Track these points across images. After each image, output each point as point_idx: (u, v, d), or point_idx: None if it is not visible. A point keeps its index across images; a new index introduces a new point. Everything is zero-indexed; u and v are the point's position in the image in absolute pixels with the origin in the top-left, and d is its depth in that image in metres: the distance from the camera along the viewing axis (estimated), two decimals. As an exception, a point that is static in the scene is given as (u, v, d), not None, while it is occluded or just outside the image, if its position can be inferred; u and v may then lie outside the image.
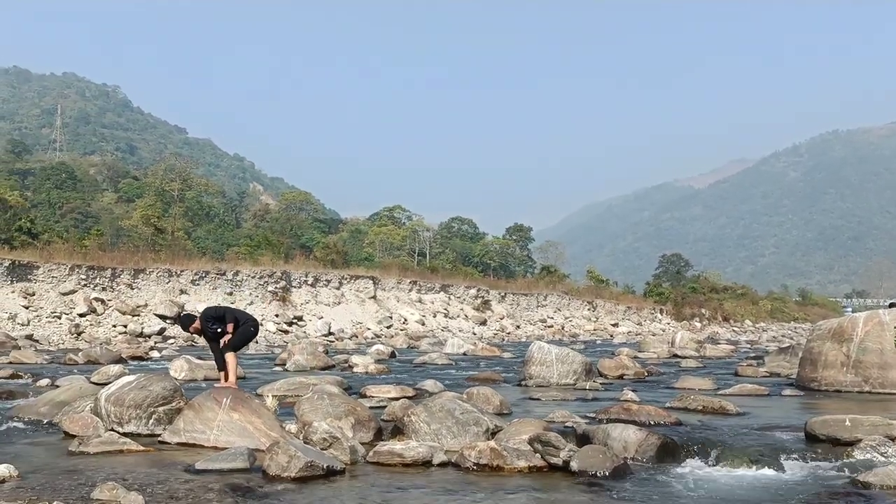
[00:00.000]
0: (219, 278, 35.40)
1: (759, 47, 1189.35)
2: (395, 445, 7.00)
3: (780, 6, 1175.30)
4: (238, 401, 7.84)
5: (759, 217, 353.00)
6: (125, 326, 29.94)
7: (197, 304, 31.66)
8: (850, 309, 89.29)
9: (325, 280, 39.76)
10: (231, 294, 34.77)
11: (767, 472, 6.62)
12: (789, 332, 55.01)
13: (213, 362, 9.58)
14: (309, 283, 38.76)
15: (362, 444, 7.37)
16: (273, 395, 9.22)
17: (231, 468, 6.39)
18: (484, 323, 43.66)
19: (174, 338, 28.98)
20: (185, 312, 9.00)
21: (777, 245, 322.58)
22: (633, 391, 11.65)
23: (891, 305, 10.83)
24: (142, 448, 7.31)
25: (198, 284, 34.09)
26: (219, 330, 8.95)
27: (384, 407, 9.38)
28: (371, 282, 41.66)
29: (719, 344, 33.32)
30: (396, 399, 10.07)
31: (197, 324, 9.12)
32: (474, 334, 38.63)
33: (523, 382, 13.70)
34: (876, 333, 12.34)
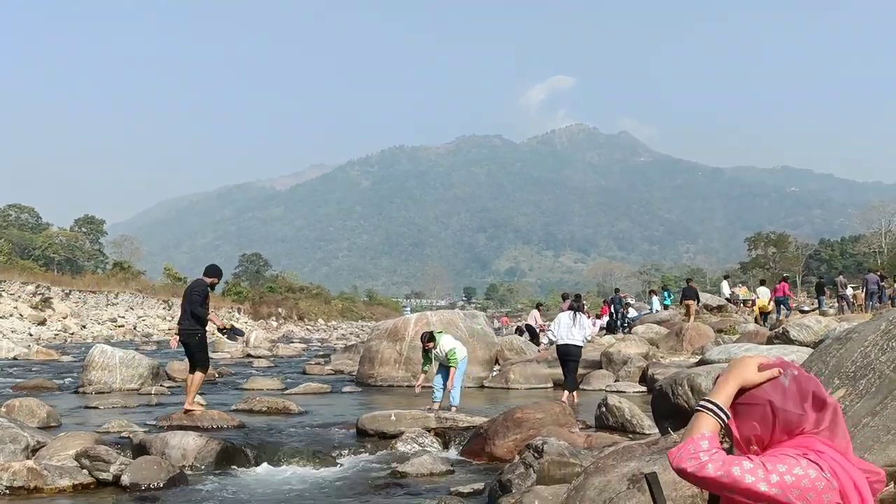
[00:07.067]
0: None
1: (347, 63, 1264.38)
2: None
3: (372, 38, 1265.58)
4: None
5: (335, 221, 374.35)
6: None
7: None
8: (409, 308, 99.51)
9: None
10: None
11: (322, 469, 6.97)
12: (357, 330, 59.17)
13: None
14: None
15: None
16: None
17: None
18: (43, 323, 39.16)
19: None
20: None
21: (349, 248, 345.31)
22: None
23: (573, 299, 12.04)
24: None
25: None
26: None
27: None
28: None
29: (292, 342, 34.52)
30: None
31: None
32: (31, 335, 34.45)
33: (81, 389, 12.65)
34: (424, 332, 13.89)
